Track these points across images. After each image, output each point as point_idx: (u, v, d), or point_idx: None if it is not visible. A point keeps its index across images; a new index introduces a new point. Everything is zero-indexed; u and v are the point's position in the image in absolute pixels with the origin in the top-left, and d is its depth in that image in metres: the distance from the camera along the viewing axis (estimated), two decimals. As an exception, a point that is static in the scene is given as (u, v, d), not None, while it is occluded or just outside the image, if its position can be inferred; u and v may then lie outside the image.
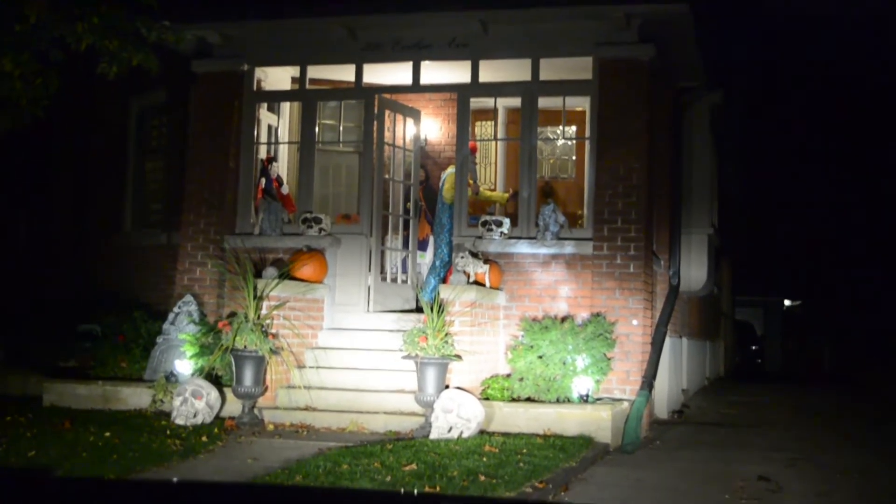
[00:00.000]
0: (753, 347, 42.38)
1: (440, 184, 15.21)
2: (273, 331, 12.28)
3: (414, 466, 8.85)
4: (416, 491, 7.84)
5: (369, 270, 13.95)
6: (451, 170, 14.87)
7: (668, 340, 13.91)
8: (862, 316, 45.63)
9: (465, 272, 12.43)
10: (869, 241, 41.28)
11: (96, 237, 17.43)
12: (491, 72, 13.90)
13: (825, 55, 35.65)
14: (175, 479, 8.24)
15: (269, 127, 15.35)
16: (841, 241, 42.53)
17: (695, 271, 16.38)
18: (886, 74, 35.42)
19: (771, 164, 37.16)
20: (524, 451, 9.86)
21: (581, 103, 14.79)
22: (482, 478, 8.49)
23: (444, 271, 14.59)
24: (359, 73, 14.19)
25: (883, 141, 37.11)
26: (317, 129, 14.51)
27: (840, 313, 47.04)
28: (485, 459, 9.31)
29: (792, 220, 42.64)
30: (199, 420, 11.44)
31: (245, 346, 11.75)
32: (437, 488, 8.06)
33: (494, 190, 16.08)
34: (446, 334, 11.46)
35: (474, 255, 12.74)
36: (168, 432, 10.67)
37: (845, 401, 21.80)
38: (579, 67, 13.49)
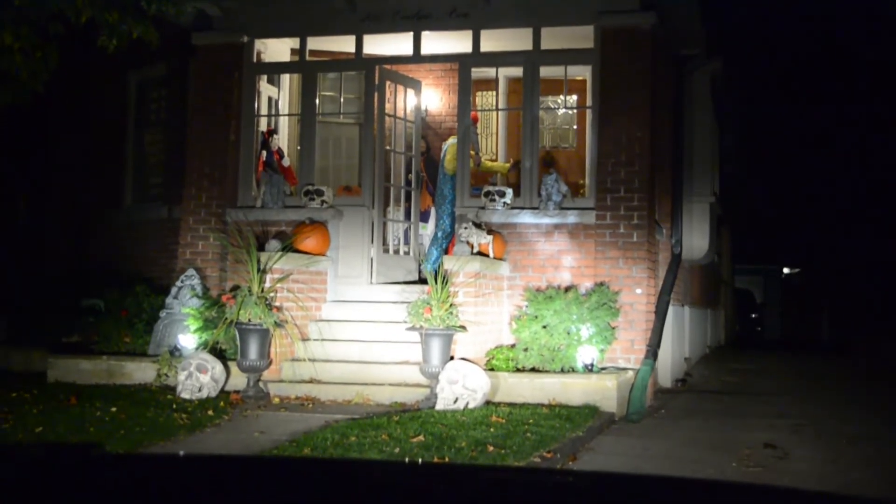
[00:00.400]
0: (753, 315, 42.53)
1: (441, 155, 15.17)
2: (277, 304, 12.26)
3: (422, 438, 8.84)
4: (424, 461, 7.84)
5: (371, 242, 13.93)
6: (452, 140, 14.82)
7: (670, 309, 13.90)
8: (860, 284, 45.65)
9: (468, 243, 12.40)
10: (867, 209, 41.24)
11: (97, 212, 17.37)
12: (492, 41, 13.82)
13: (824, 21, 35.50)
14: (183, 453, 8.23)
15: (270, 99, 15.29)
16: (840, 209, 42.51)
17: (696, 240, 16.38)
18: (888, 41, 35.32)
19: (771, 131, 37.07)
20: (531, 421, 9.86)
21: (582, 72, 14.75)
22: (490, 448, 8.50)
23: (445, 242, 14.58)
24: (359, 44, 14.11)
25: (883, 108, 37.05)
26: (317, 101, 14.44)
27: (839, 281, 47.06)
28: (492, 430, 9.31)
29: (792, 189, 42.61)
30: (204, 394, 11.43)
31: (249, 320, 11.73)
32: (447, 459, 8.06)
33: (496, 160, 16.04)
34: (451, 305, 11.44)
35: (477, 225, 12.71)
36: (174, 406, 10.66)
37: (845, 368, 21.86)
38: (581, 36, 13.42)
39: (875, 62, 35.97)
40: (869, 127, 37.65)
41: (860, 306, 45.43)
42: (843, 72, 36.94)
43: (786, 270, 49.65)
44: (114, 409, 10.22)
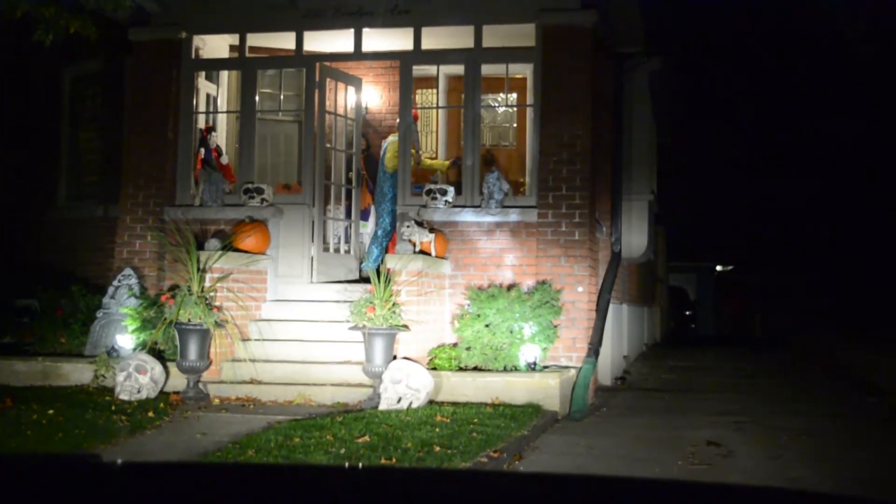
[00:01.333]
0: (687, 313, 42.91)
1: (381, 152, 15.09)
2: (217, 303, 12.11)
3: (367, 438, 8.77)
4: (372, 464, 7.77)
5: (312, 241, 13.82)
6: (392, 138, 14.76)
7: (610, 307, 13.95)
8: (790, 278, 46.31)
9: (410, 241, 12.35)
10: (799, 205, 41.83)
11: (31, 211, 17.08)
12: (433, 39, 13.78)
13: (762, 20, 35.96)
14: (123, 459, 8.10)
15: (208, 96, 15.11)
16: (771, 206, 43.04)
17: (635, 238, 16.48)
18: (826, 40, 35.87)
19: (706, 129, 37.47)
20: (475, 420, 9.82)
21: (523, 70, 14.75)
22: (437, 448, 8.44)
23: (386, 241, 14.52)
24: (299, 41, 14.00)
25: (817, 107, 37.63)
26: (256, 98, 14.28)
27: (770, 277, 47.69)
28: (437, 430, 9.26)
29: (723, 186, 43.09)
30: (143, 395, 11.26)
31: (189, 320, 11.58)
32: (393, 460, 8.00)
33: (436, 158, 15.99)
34: (394, 304, 11.38)
35: (419, 223, 12.66)
36: (113, 408, 10.47)
37: (781, 363, 22.07)
38: (522, 34, 13.42)
39: (812, 57, 36.53)
40: (804, 123, 38.21)
41: (791, 301, 46.11)
42: (779, 68, 37.46)
43: (718, 268, 50.16)
44: (51, 411, 9.99)
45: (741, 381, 16.85)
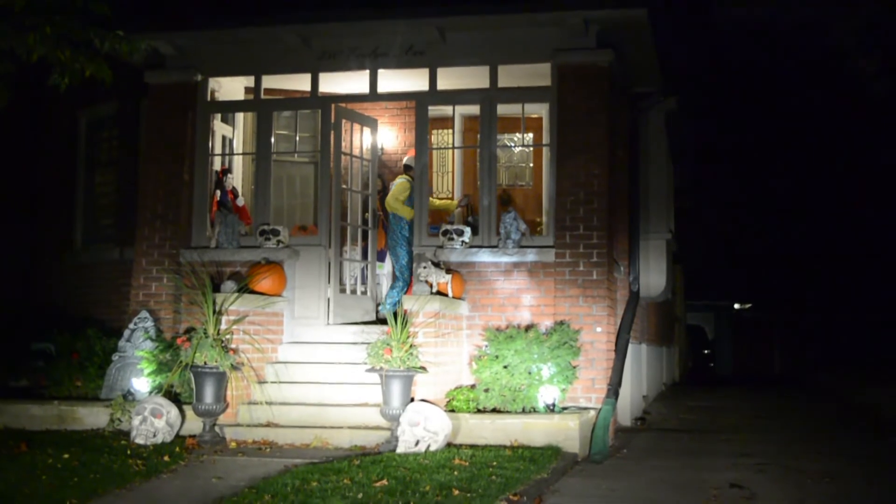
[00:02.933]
0: (706, 352, 42.65)
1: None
2: (233, 346, 12.04)
3: (385, 482, 8.67)
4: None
5: (328, 282, 13.75)
6: (399, 179, 14.70)
7: (629, 347, 13.83)
8: (808, 316, 46.01)
9: (427, 282, 12.30)
10: (816, 244, 41.60)
11: (47, 254, 17.10)
12: (449, 79, 13.77)
13: (778, 60, 35.89)
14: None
15: (224, 138, 15.10)
16: (788, 243, 42.81)
17: (653, 277, 16.38)
18: (837, 79, 35.81)
19: (722, 169, 37.35)
20: (494, 463, 9.71)
21: (538, 110, 14.73)
22: (456, 492, 8.34)
23: (403, 282, 14.43)
24: (314, 83, 14.00)
25: (832, 143, 37.46)
26: (272, 140, 14.26)
27: (788, 315, 47.38)
28: (456, 473, 9.15)
29: (740, 224, 42.88)
30: (159, 439, 11.18)
31: (205, 363, 11.50)
32: (412, 504, 7.89)
33: (452, 198, 15.93)
34: (411, 346, 11.29)
35: (436, 264, 12.59)
36: (128, 452, 10.40)
37: (800, 403, 21.88)
38: (538, 74, 13.40)
39: (825, 99, 36.44)
40: (822, 160, 38.09)
41: (811, 340, 45.79)
42: (791, 109, 37.34)
43: (736, 306, 49.89)
44: (66, 455, 9.94)
45: (761, 420, 16.70)
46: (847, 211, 39.24)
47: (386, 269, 15.28)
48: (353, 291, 14.51)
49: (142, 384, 12.48)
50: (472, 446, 10.94)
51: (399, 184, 14.51)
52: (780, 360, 47.74)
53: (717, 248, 41.37)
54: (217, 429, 11.66)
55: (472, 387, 12.17)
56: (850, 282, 41.73)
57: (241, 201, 14.89)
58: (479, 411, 11.78)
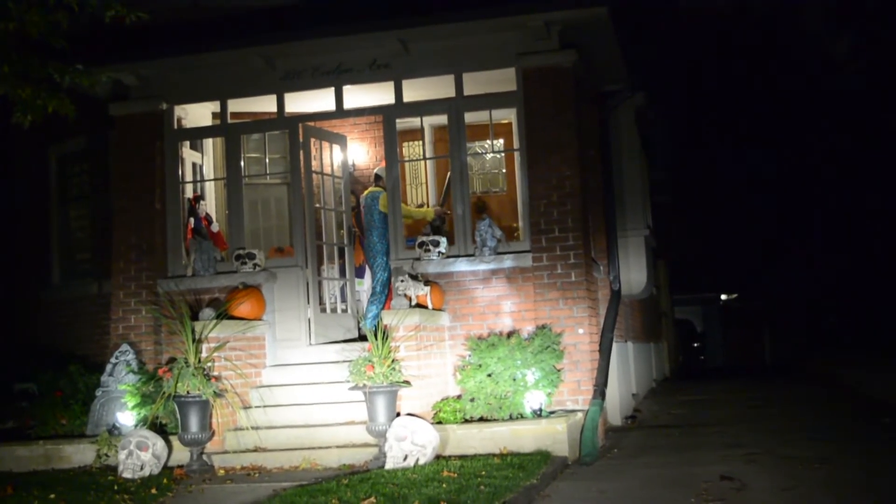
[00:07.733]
0: (695, 345, 42.72)
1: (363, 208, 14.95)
2: (215, 373, 11.97)
3: (373, 500, 8.60)
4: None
5: (308, 303, 13.69)
6: (376, 191, 14.62)
7: (614, 346, 13.79)
8: (796, 304, 46.04)
9: (406, 295, 12.25)
10: (799, 231, 41.68)
11: (26, 292, 16.99)
12: (415, 91, 13.73)
13: (747, 50, 35.93)
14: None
15: (194, 165, 15.04)
16: (771, 231, 42.87)
17: (634, 274, 16.36)
18: (811, 70, 35.85)
19: (697, 159, 37.40)
20: (483, 473, 9.65)
21: (507, 115, 14.68)
22: (444, 505, 8.29)
23: (384, 297, 14.36)
24: (280, 103, 13.95)
25: (807, 134, 37.52)
26: (242, 163, 14.22)
27: (775, 303, 47.41)
28: (444, 486, 9.09)
29: (721, 215, 42.90)
30: (146, 472, 11.10)
31: (188, 392, 11.43)
32: (400, 521, 7.83)
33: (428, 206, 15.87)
34: (393, 361, 11.23)
35: (414, 277, 12.54)
36: (116, 488, 10.30)
37: (791, 390, 21.88)
38: (504, 79, 13.37)
39: (801, 89, 36.50)
40: (801, 149, 38.16)
41: (798, 326, 45.80)
42: (767, 103, 37.41)
43: (723, 297, 49.96)
44: (52, 496, 9.81)
45: (751, 410, 16.67)
46: (829, 192, 39.27)
47: (366, 284, 15.21)
48: (334, 310, 14.45)
49: (127, 418, 12.40)
50: (460, 457, 10.88)
51: (384, 195, 14.28)
52: (771, 349, 47.82)
53: (699, 240, 41.37)
54: (205, 457, 11.58)
55: (458, 397, 12.12)
56: (836, 267, 41.73)
57: (215, 227, 14.82)
58: (466, 421, 11.72)
